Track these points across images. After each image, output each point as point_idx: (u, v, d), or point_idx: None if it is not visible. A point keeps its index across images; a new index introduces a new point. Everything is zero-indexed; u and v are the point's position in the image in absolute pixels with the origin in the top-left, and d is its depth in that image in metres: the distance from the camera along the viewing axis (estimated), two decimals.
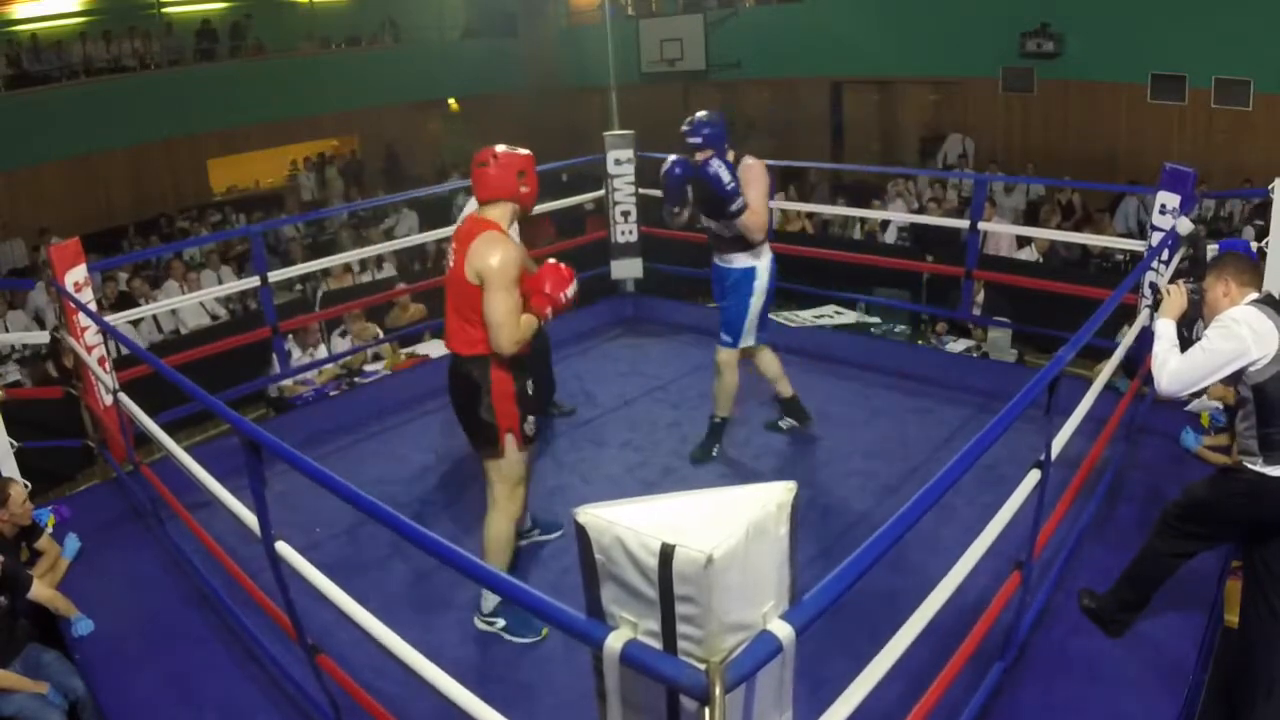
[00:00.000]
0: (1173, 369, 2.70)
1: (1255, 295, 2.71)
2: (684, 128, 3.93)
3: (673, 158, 3.99)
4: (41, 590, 3.33)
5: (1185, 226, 4.07)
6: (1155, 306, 3.02)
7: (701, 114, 3.96)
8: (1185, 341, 2.81)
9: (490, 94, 15.26)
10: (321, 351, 6.49)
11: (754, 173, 3.93)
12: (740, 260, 4.07)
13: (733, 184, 3.79)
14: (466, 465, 4.45)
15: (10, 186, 11.46)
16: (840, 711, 1.64)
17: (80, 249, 4.35)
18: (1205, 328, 2.75)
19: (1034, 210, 9.53)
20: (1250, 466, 2.66)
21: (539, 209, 6.50)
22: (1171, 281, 3.01)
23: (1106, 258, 7.99)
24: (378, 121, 14.75)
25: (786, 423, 4.55)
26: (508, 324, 2.89)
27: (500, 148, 3.02)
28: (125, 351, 4.93)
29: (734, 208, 3.83)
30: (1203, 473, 3.66)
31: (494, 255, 2.84)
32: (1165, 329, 2.83)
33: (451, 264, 2.99)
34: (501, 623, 3.16)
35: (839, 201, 9.90)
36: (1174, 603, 2.98)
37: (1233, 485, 2.72)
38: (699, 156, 3.85)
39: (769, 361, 4.37)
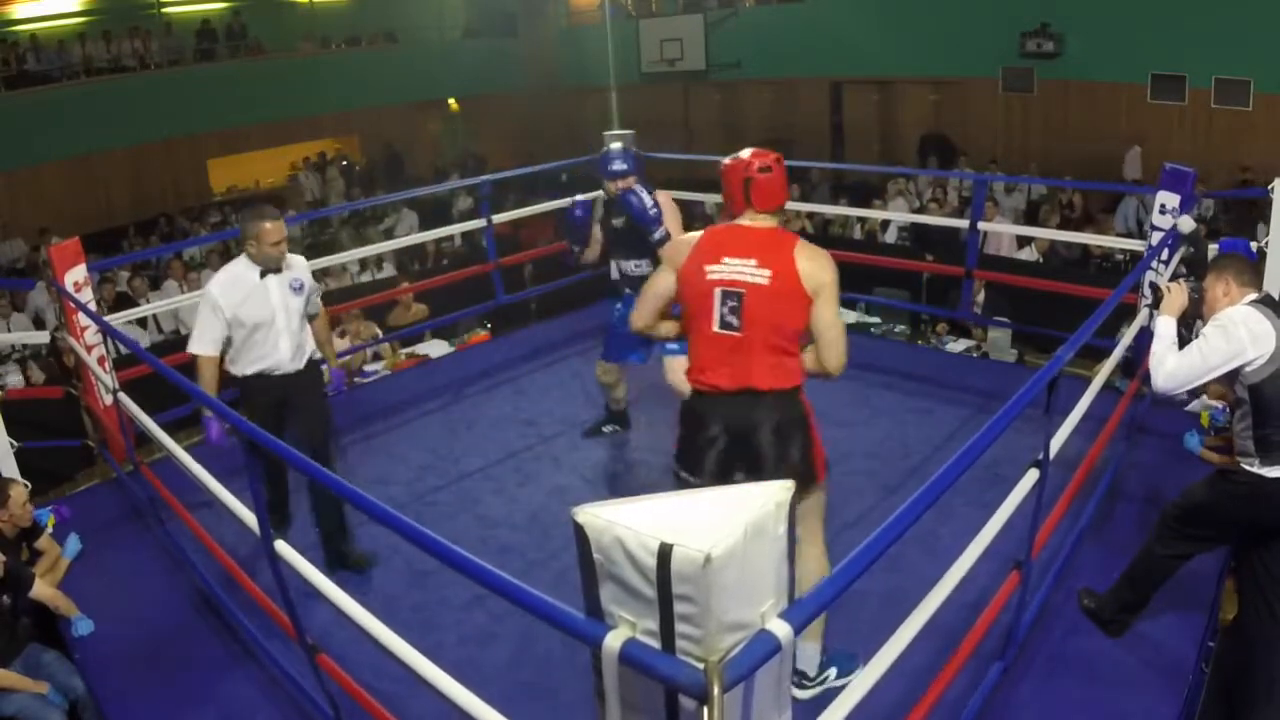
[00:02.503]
0: (1169, 368, 2.71)
1: (1255, 295, 2.71)
2: (611, 162, 4.05)
3: (576, 198, 4.21)
4: (43, 589, 3.34)
5: (1187, 225, 4.07)
6: (1156, 305, 3.02)
7: (618, 146, 4.22)
8: (1185, 340, 2.81)
9: (490, 94, 15.27)
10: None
11: (670, 206, 4.03)
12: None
13: (655, 210, 3.87)
14: (467, 465, 4.45)
15: (10, 186, 11.47)
16: (840, 711, 1.65)
17: (80, 249, 4.35)
18: (1204, 326, 2.75)
19: (1035, 210, 9.53)
20: (1247, 468, 2.66)
21: (539, 209, 6.58)
22: (1172, 279, 3.00)
23: (1106, 258, 7.98)
24: (378, 121, 14.75)
25: (609, 427, 4.67)
26: (844, 340, 2.55)
27: (769, 154, 2.63)
28: (125, 351, 4.94)
29: (657, 235, 3.87)
30: (1203, 473, 3.66)
31: (828, 267, 2.51)
32: (1165, 327, 2.83)
33: (757, 281, 2.51)
34: (834, 672, 2.76)
35: (839, 201, 9.90)
36: (1174, 603, 2.98)
37: (1230, 487, 2.72)
38: (621, 185, 3.97)
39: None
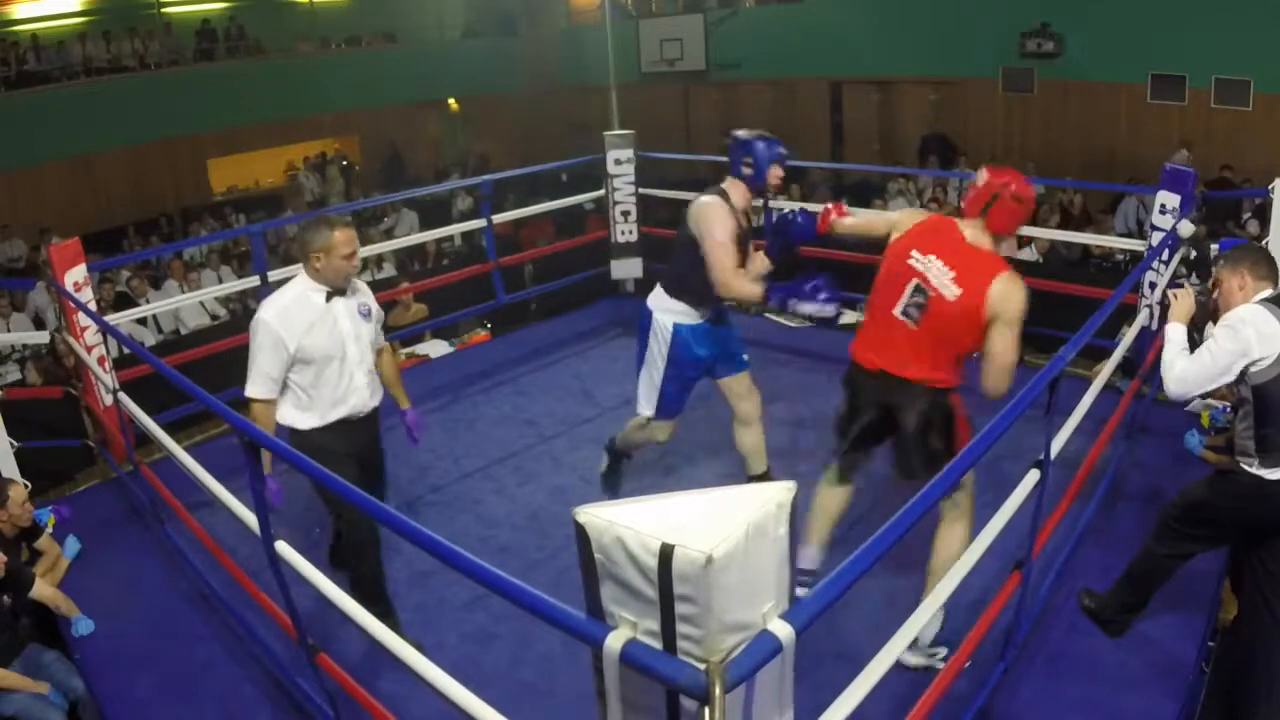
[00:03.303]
0: (1178, 372, 2.69)
1: (1269, 292, 2.67)
2: (779, 147, 3.38)
3: (799, 209, 3.49)
4: (43, 589, 3.34)
5: (1186, 229, 4.06)
6: (1164, 310, 3.01)
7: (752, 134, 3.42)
8: (1195, 344, 2.80)
9: (490, 94, 15.27)
10: None
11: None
12: (664, 306, 3.52)
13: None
14: (467, 465, 4.45)
15: (10, 186, 11.46)
16: (840, 711, 1.64)
17: (80, 249, 4.35)
18: (1216, 325, 2.73)
19: (1035, 210, 9.52)
20: (1247, 469, 2.65)
21: (539, 208, 6.58)
22: (1174, 284, 2.99)
23: (1106, 258, 7.98)
24: (378, 121, 14.74)
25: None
26: (1008, 372, 2.68)
27: (1030, 186, 2.72)
28: (125, 351, 4.94)
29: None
30: (1203, 473, 3.66)
31: (1017, 302, 2.62)
32: (1175, 333, 2.80)
33: (946, 291, 2.66)
34: (943, 652, 2.79)
35: (840, 201, 9.89)
36: (1174, 603, 2.98)
37: (1229, 487, 2.72)
38: (780, 175, 3.39)
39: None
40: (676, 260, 3.43)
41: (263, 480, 2.30)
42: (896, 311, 2.73)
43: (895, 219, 2.93)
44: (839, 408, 3.01)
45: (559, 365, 5.64)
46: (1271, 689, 2.66)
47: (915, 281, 2.70)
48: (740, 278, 3.29)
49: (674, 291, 3.43)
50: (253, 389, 2.88)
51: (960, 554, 2.58)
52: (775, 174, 3.34)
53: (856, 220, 3.12)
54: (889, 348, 2.75)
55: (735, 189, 3.38)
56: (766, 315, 6.68)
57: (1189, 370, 2.67)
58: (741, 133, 3.41)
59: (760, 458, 3.76)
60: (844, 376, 2.98)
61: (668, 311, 3.44)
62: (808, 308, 3.19)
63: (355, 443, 3.01)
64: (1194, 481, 2.90)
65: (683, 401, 3.58)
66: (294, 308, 2.86)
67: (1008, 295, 2.61)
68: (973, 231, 2.71)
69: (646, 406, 3.56)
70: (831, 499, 3.11)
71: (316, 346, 2.86)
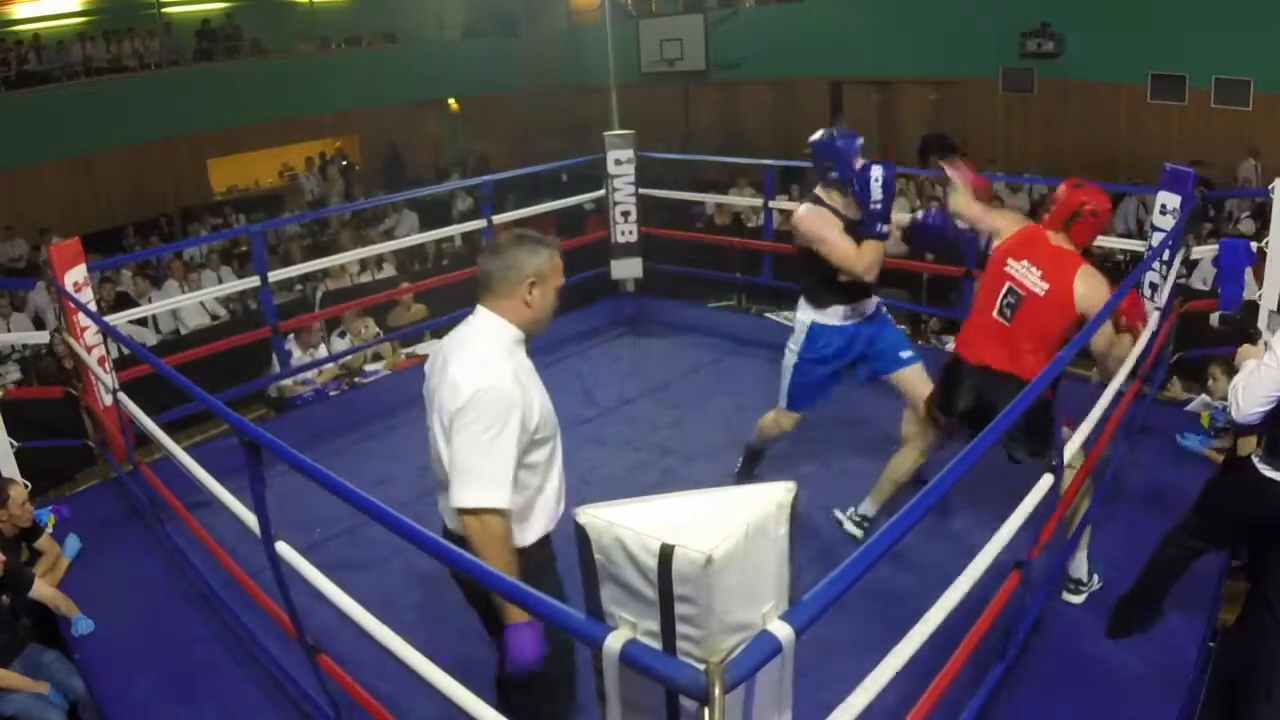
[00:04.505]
0: (1239, 392, 2.62)
1: None
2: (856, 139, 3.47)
3: (931, 211, 3.66)
4: (43, 589, 3.34)
5: (1215, 320, 4.08)
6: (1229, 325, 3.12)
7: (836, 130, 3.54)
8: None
9: (490, 94, 15.27)
10: (321, 351, 6.48)
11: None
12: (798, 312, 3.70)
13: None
14: None
15: (10, 186, 11.47)
16: (848, 714, 1.64)
17: (80, 249, 4.35)
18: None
19: (1036, 210, 9.52)
20: (1256, 463, 2.66)
21: (539, 208, 6.58)
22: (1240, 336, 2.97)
23: (1107, 258, 7.98)
24: (378, 121, 14.75)
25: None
26: (1116, 357, 3.09)
27: (1106, 200, 3.01)
28: (125, 351, 4.93)
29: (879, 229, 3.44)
30: (1201, 471, 3.66)
31: (1103, 291, 2.89)
32: (1249, 363, 2.70)
33: (1034, 290, 2.94)
34: (1096, 577, 3.17)
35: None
36: (1174, 603, 2.98)
37: (1236, 481, 2.73)
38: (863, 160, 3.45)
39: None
40: (803, 273, 3.60)
41: (263, 481, 2.29)
42: (994, 313, 3.04)
43: (999, 225, 3.16)
44: (937, 391, 3.29)
45: (559, 365, 5.63)
46: (1271, 690, 2.66)
47: (1008, 285, 3.01)
48: (866, 250, 3.40)
49: (810, 299, 3.59)
50: (493, 493, 1.97)
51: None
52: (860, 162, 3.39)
53: (973, 214, 3.27)
54: (988, 345, 3.06)
55: (828, 194, 3.48)
56: (766, 315, 6.68)
57: (1248, 387, 2.59)
58: (816, 136, 3.49)
59: (883, 490, 3.64)
60: (946, 364, 3.24)
61: (808, 311, 3.59)
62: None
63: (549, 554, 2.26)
64: (1212, 479, 2.91)
65: (813, 399, 3.72)
66: (513, 364, 2.09)
67: (1092, 289, 2.89)
68: (1055, 238, 3.01)
69: (780, 398, 3.75)
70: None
71: (548, 419, 2.15)
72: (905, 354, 3.65)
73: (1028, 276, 2.96)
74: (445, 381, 2.05)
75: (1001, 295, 3.01)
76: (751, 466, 4.06)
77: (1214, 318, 4.10)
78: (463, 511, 1.99)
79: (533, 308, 2.13)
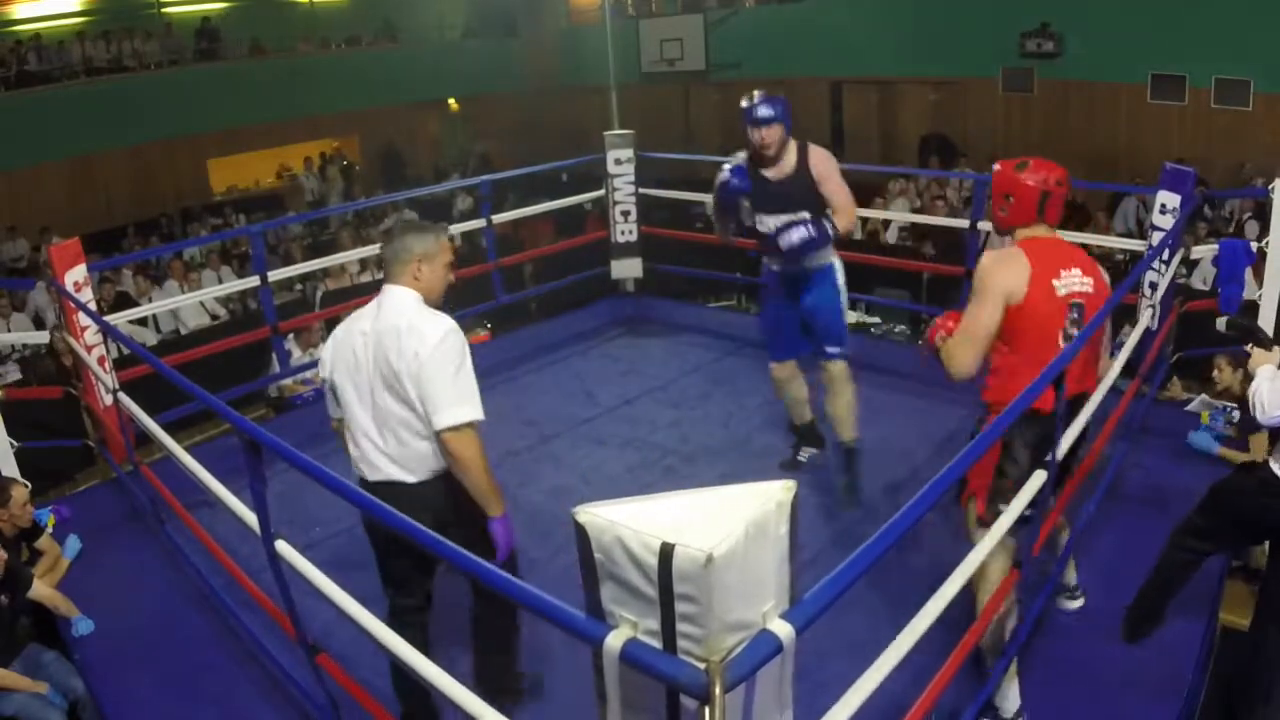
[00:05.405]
0: (1264, 396, 2.57)
1: None
2: (760, 107, 3.59)
3: (729, 167, 3.64)
4: (42, 589, 3.34)
5: (1221, 325, 4.00)
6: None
7: (758, 94, 3.66)
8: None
9: (490, 94, 15.26)
10: (321, 351, 6.49)
11: (830, 163, 3.64)
12: (824, 256, 3.71)
13: (825, 233, 3.52)
14: None
15: (10, 186, 11.46)
16: (843, 712, 1.64)
17: (80, 249, 4.35)
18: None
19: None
20: (1271, 463, 2.66)
21: (538, 208, 6.57)
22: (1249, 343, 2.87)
23: (1107, 258, 7.98)
24: (378, 121, 14.74)
25: (805, 453, 4.25)
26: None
27: (1056, 167, 2.69)
28: (126, 351, 4.93)
29: (837, 235, 3.57)
30: (1203, 471, 3.66)
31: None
32: (1265, 368, 2.66)
33: (1088, 290, 2.60)
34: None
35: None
36: (1174, 603, 2.98)
37: (1245, 481, 2.73)
38: (765, 135, 3.56)
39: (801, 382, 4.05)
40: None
41: (264, 480, 2.29)
42: (1061, 343, 2.55)
43: (991, 290, 2.53)
44: (1016, 464, 2.59)
45: (559, 365, 5.64)
46: (1271, 692, 2.66)
47: (1070, 304, 2.57)
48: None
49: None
50: (472, 409, 2.38)
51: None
52: (755, 136, 3.58)
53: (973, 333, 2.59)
54: (1070, 375, 2.46)
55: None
56: None
57: (1272, 390, 2.56)
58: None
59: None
60: (1010, 434, 2.56)
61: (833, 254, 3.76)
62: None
63: None
64: (1218, 479, 2.90)
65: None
66: None
67: (1101, 269, 2.70)
68: (1044, 232, 2.65)
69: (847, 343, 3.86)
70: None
71: None
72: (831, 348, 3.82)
73: (1078, 282, 2.58)
74: (398, 343, 2.37)
75: (1067, 319, 2.56)
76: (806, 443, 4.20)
77: (1220, 322, 4.08)
78: (449, 430, 2.34)
79: (422, 281, 2.51)
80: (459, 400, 2.35)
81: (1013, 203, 2.62)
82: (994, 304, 2.51)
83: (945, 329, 2.67)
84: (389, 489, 2.44)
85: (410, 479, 2.46)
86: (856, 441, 3.87)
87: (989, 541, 2.23)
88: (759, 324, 3.84)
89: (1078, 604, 3.14)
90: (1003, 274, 2.52)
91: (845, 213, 3.60)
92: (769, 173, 3.63)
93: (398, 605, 2.59)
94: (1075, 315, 2.56)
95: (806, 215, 3.54)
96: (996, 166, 2.72)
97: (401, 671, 2.36)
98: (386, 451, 2.46)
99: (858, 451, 3.88)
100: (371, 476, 2.50)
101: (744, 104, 3.62)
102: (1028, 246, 2.58)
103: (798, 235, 3.48)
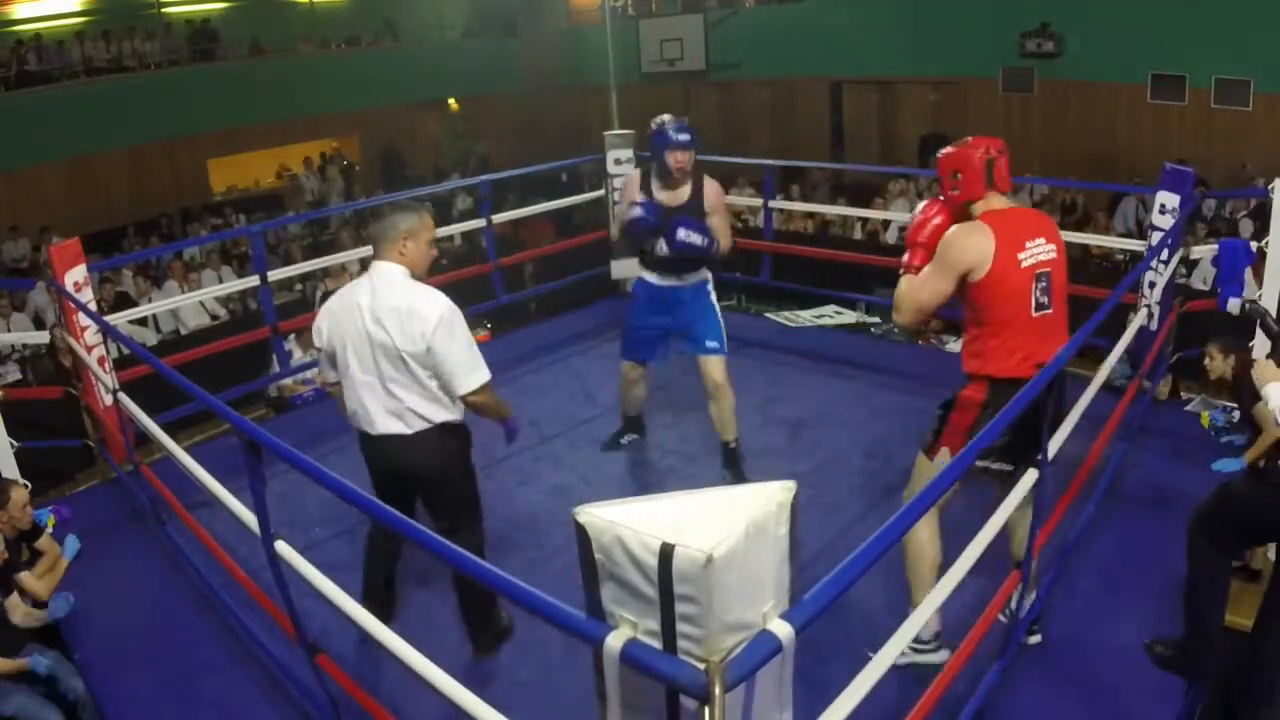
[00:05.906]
0: (1275, 402, 2.53)
1: None
2: (678, 132, 3.81)
3: (641, 203, 3.85)
4: (32, 582, 3.34)
5: (1234, 307, 3.98)
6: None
7: (668, 117, 3.89)
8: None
9: (490, 94, 15.26)
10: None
11: (721, 198, 4.00)
12: (701, 274, 4.07)
13: (707, 240, 3.80)
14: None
15: (10, 186, 11.46)
16: (840, 711, 1.64)
17: (80, 249, 4.35)
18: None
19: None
20: None
21: (539, 209, 6.58)
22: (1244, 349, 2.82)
23: (1106, 258, 7.98)
24: (378, 121, 14.74)
25: (628, 438, 4.54)
26: None
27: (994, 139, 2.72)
28: (126, 351, 4.94)
29: (717, 253, 3.92)
30: (1202, 472, 3.66)
31: None
32: (1273, 385, 2.55)
33: (1053, 256, 2.64)
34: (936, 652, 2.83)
35: (839, 201, 9.90)
36: (1174, 604, 2.98)
37: (1258, 488, 2.69)
38: (681, 159, 3.83)
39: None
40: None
41: (263, 480, 2.30)
42: (1034, 313, 2.63)
43: (970, 264, 2.58)
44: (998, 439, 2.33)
45: (559, 365, 5.64)
46: (1271, 693, 2.66)
47: (1035, 274, 2.61)
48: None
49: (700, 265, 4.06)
50: (486, 371, 2.75)
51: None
52: (672, 158, 3.80)
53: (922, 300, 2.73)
54: (1045, 344, 2.62)
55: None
56: (766, 315, 6.68)
57: None
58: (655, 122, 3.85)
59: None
60: (990, 401, 2.66)
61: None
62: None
63: None
64: (1221, 486, 2.86)
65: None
66: None
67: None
68: (1000, 202, 2.67)
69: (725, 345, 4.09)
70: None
71: None
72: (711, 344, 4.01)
73: (1042, 250, 2.62)
74: (401, 326, 2.63)
75: (1034, 289, 2.61)
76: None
77: (1234, 305, 4.02)
78: (472, 393, 2.74)
79: (407, 256, 2.73)
80: (471, 368, 2.70)
81: (961, 178, 2.66)
82: (950, 278, 2.62)
83: (914, 260, 2.76)
84: (387, 440, 2.79)
85: (407, 431, 2.77)
86: (737, 442, 4.13)
87: (990, 530, 2.23)
88: (624, 326, 4.19)
89: (1035, 639, 2.91)
90: (965, 248, 2.59)
91: (725, 241, 3.96)
92: (663, 196, 3.90)
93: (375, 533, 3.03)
94: (1044, 284, 2.63)
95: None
96: (937, 157, 2.77)
97: (373, 544, 3.01)
98: (387, 408, 2.76)
99: (738, 451, 4.13)
100: (371, 431, 2.80)
101: (659, 126, 3.84)
102: (990, 219, 2.61)
103: (696, 236, 3.75)
